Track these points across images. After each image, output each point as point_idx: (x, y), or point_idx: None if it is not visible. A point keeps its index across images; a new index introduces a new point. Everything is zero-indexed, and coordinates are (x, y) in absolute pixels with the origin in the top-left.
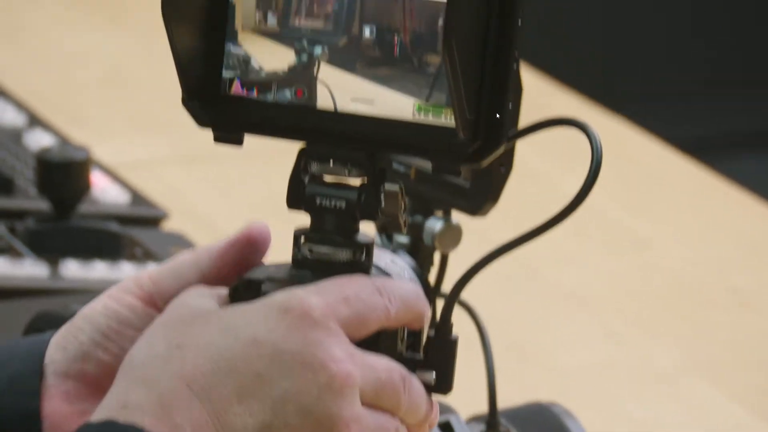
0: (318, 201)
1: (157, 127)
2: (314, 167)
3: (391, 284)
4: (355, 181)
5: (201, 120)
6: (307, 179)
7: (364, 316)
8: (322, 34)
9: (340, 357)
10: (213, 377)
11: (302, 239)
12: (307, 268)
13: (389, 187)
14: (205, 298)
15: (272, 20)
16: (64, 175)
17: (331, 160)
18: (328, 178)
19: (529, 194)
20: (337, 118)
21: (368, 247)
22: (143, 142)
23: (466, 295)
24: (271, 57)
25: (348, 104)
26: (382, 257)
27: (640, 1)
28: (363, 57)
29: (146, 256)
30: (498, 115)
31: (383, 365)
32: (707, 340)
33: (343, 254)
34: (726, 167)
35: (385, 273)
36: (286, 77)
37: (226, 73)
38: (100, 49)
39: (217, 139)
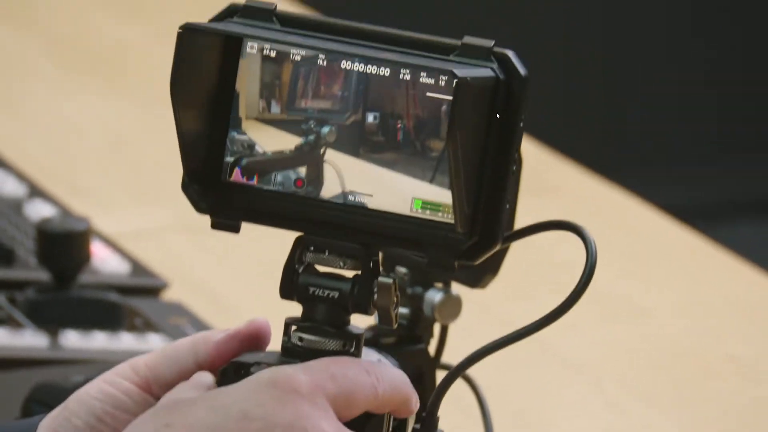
0: (311, 291)
1: (157, 196)
2: (309, 257)
3: (379, 366)
4: (348, 273)
5: (199, 206)
6: (301, 269)
7: (351, 394)
8: (329, 114)
9: (329, 431)
10: None
11: (293, 328)
12: (296, 356)
13: (382, 280)
14: (194, 389)
15: (276, 108)
16: (64, 245)
17: (327, 251)
18: (322, 269)
19: (528, 263)
20: (335, 209)
21: (358, 339)
22: (143, 211)
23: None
24: (276, 142)
25: (347, 197)
26: (369, 356)
27: (636, 67)
28: (367, 142)
29: (146, 326)
30: (495, 214)
31: None
32: (707, 408)
33: (333, 344)
34: (723, 234)
35: None
36: (293, 157)
37: (229, 158)
38: (100, 118)
39: (215, 225)
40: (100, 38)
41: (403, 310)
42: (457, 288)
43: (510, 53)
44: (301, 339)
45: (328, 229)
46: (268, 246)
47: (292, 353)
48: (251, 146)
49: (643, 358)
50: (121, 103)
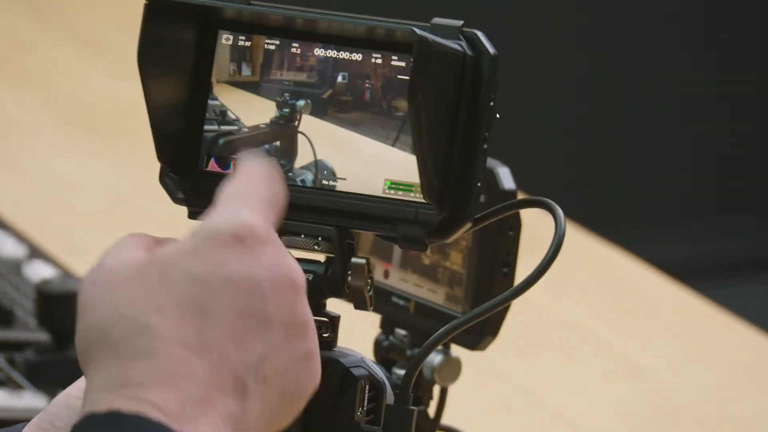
0: None
1: None
2: (283, 240)
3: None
4: (322, 257)
5: (176, 196)
6: None
7: (278, 206)
8: (305, 86)
9: (297, 265)
10: (203, 330)
11: None
12: None
13: (355, 260)
14: (135, 250)
15: (247, 71)
16: (63, 307)
17: (301, 234)
18: (296, 253)
19: (528, 322)
20: (309, 192)
21: (334, 321)
22: None
23: (464, 419)
24: (248, 108)
25: (321, 181)
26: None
27: (633, 125)
28: (336, 102)
29: None
30: (466, 191)
31: None
32: None
33: None
34: (720, 293)
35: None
36: (268, 132)
37: (207, 127)
38: (99, 177)
39: (191, 215)
40: (100, 98)
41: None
42: (456, 350)
43: (479, 32)
44: None
45: (302, 212)
46: None
47: None
48: (223, 113)
49: (643, 417)
50: (119, 162)
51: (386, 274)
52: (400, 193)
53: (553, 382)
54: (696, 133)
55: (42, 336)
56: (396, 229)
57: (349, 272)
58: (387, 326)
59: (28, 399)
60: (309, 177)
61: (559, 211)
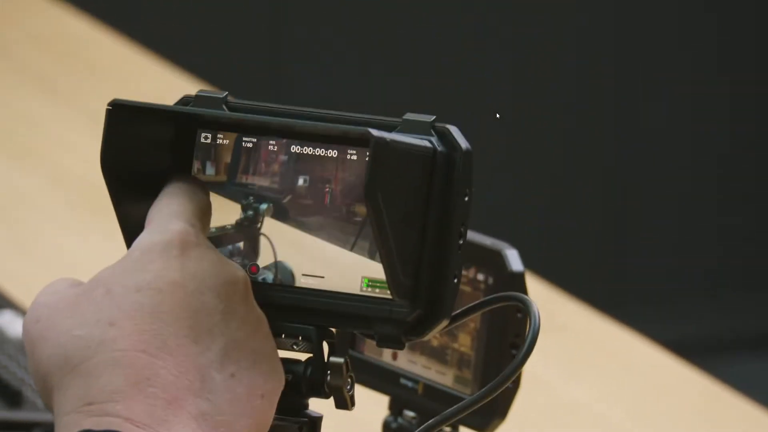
0: None
1: None
2: None
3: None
4: (302, 356)
5: None
6: None
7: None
8: (268, 191)
9: (236, 266)
10: (161, 333)
11: None
12: None
13: (334, 359)
14: (65, 285)
15: (211, 170)
16: None
17: (282, 335)
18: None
19: (537, 405)
20: (287, 292)
21: (314, 423)
22: None
23: None
24: (217, 210)
25: (299, 279)
26: None
27: (635, 211)
28: (296, 206)
29: None
30: (441, 288)
31: None
32: None
33: (291, 429)
34: (728, 371)
35: None
36: (233, 234)
37: None
38: (106, 256)
39: None
40: None
41: None
42: None
43: (451, 128)
44: None
45: (281, 311)
46: None
47: None
48: None
49: None
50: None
51: (394, 356)
52: (377, 291)
53: None
54: (699, 209)
55: (49, 417)
56: (372, 327)
57: (329, 372)
58: (396, 408)
59: None
60: (269, 277)
61: (534, 307)
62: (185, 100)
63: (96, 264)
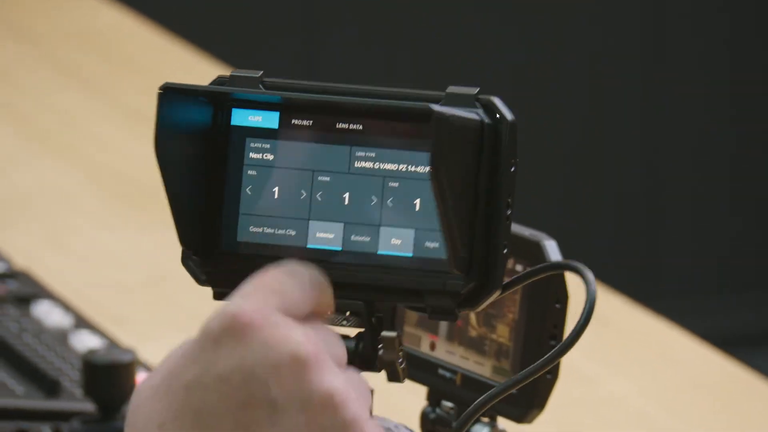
0: None
1: (198, 325)
2: None
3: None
4: (352, 331)
5: (199, 278)
6: None
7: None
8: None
9: (299, 339)
10: None
11: None
12: None
13: (385, 334)
14: (174, 359)
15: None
16: (109, 377)
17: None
18: None
19: (575, 398)
20: (337, 268)
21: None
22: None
23: None
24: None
25: (348, 255)
26: (384, 422)
27: (672, 203)
28: None
29: None
30: (493, 258)
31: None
32: None
33: None
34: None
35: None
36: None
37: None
38: (142, 251)
39: (217, 296)
40: (144, 171)
41: None
42: (503, 423)
43: (495, 99)
44: None
45: (333, 289)
46: None
47: None
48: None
49: None
50: (163, 235)
51: (432, 346)
52: (428, 261)
53: None
54: (724, 205)
55: (88, 406)
56: (425, 302)
57: (380, 346)
58: (433, 398)
59: None
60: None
61: (590, 275)
62: (219, 81)
63: (131, 258)
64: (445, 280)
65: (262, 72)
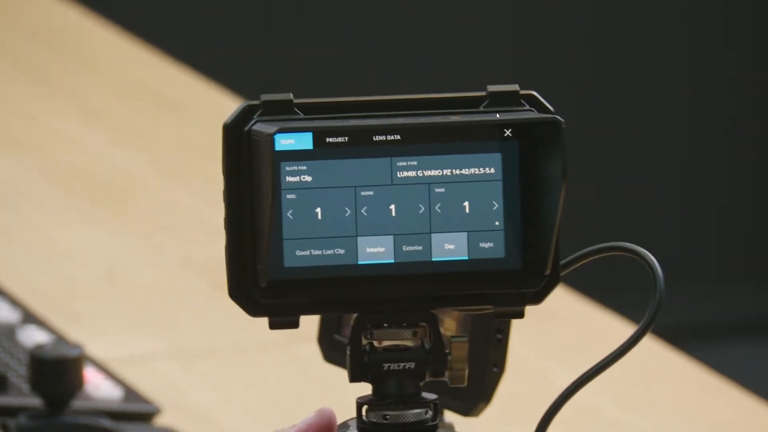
0: (385, 367)
1: (150, 322)
2: (376, 334)
3: None
4: (410, 336)
5: (252, 311)
6: (367, 347)
7: None
8: None
9: None
10: None
11: (366, 407)
12: None
13: (456, 340)
14: None
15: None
16: (57, 372)
17: (394, 325)
18: (387, 342)
19: (521, 391)
20: (393, 282)
21: (435, 404)
22: (138, 337)
23: None
24: None
25: (400, 257)
26: None
27: (631, 193)
28: None
29: None
30: (555, 252)
31: None
32: None
33: (414, 414)
34: (718, 357)
35: None
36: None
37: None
38: (96, 246)
39: (273, 325)
40: (99, 166)
41: None
42: (450, 416)
43: (535, 93)
44: (385, 417)
45: (390, 302)
46: (261, 370)
47: None
48: None
49: None
50: (117, 231)
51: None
52: (487, 258)
53: None
54: (697, 193)
55: (35, 401)
56: (491, 302)
57: (448, 352)
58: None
59: None
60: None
61: (650, 257)
62: (249, 107)
63: (83, 254)
64: (517, 281)
65: (291, 94)
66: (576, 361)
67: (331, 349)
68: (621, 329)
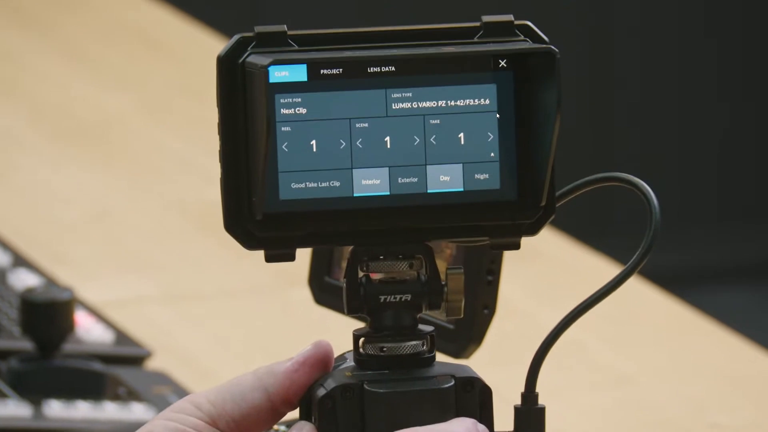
0: (382, 299)
1: (141, 265)
2: (372, 266)
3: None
4: (406, 268)
5: (248, 243)
6: (364, 280)
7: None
8: None
9: None
10: None
11: (363, 339)
12: (376, 366)
13: (452, 271)
14: None
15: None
16: (47, 315)
17: (390, 257)
18: (383, 274)
19: (508, 331)
20: (389, 214)
21: (431, 337)
22: (128, 281)
23: None
24: None
25: (396, 189)
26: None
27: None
28: None
29: (130, 395)
30: (550, 182)
31: None
32: None
33: (411, 346)
34: (707, 301)
35: None
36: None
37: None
38: (85, 189)
39: (269, 258)
40: (86, 109)
41: None
42: (440, 358)
43: (530, 23)
44: (382, 348)
45: (386, 234)
46: (252, 313)
47: (369, 365)
48: None
49: (624, 425)
50: (105, 173)
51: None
52: (482, 189)
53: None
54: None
55: (26, 345)
56: (487, 233)
57: (444, 284)
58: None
59: (11, 407)
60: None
61: (646, 187)
62: (243, 39)
63: (72, 196)
64: (512, 212)
65: (285, 26)
66: (563, 301)
67: (322, 291)
68: (609, 270)
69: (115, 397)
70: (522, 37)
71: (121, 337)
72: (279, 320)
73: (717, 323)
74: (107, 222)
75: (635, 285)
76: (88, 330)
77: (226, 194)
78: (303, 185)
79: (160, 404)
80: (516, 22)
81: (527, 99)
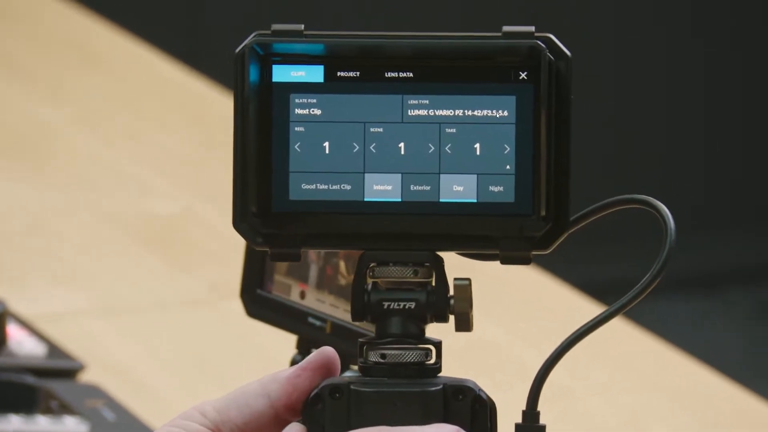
0: (386, 306)
1: (74, 278)
2: (378, 272)
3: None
4: (412, 276)
5: (255, 241)
6: (369, 286)
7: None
8: None
9: None
10: None
11: (366, 347)
12: (378, 374)
13: (458, 282)
14: None
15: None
16: None
17: (397, 264)
18: (390, 282)
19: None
20: (399, 218)
21: (438, 347)
22: (61, 293)
23: None
24: None
25: (408, 196)
26: None
27: None
28: None
29: (62, 408)
30: (565, 196)
31: None
32: None
33: (414, 355)
34: (641, 313)
35: None
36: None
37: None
38: (17, 200)
39: (275, 257)
40: (20, 121)
41: None
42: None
43: (552, 36)
44: (383, 356)
45: (395, 240)
46: (185, 326)
47: (370, 372)
48: None
49: None
50: (39, 185)
51: (302, 295)
52: (497, 202)
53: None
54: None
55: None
56: (497, 246)
57: (451, 296)
58: (303, 346)
59: None
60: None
61: (665, 211)
62: (259, 40)
63: (5, 207)
64: (521, 224)
65: (303, 25)
66: (499, 313)
67: (254, 303)
68: (542, 282)
69: (48, 411)
70: (543, 49)
71: (54, 350)
72: (213, 333)
73: (652, 335)
74: (40, 234)
75: (570, 296)
76: (20, 343)
77: (236, 191)
78: (314, 186)
79: (92, 417)
80: (537, 34)
81: (546, 112)
